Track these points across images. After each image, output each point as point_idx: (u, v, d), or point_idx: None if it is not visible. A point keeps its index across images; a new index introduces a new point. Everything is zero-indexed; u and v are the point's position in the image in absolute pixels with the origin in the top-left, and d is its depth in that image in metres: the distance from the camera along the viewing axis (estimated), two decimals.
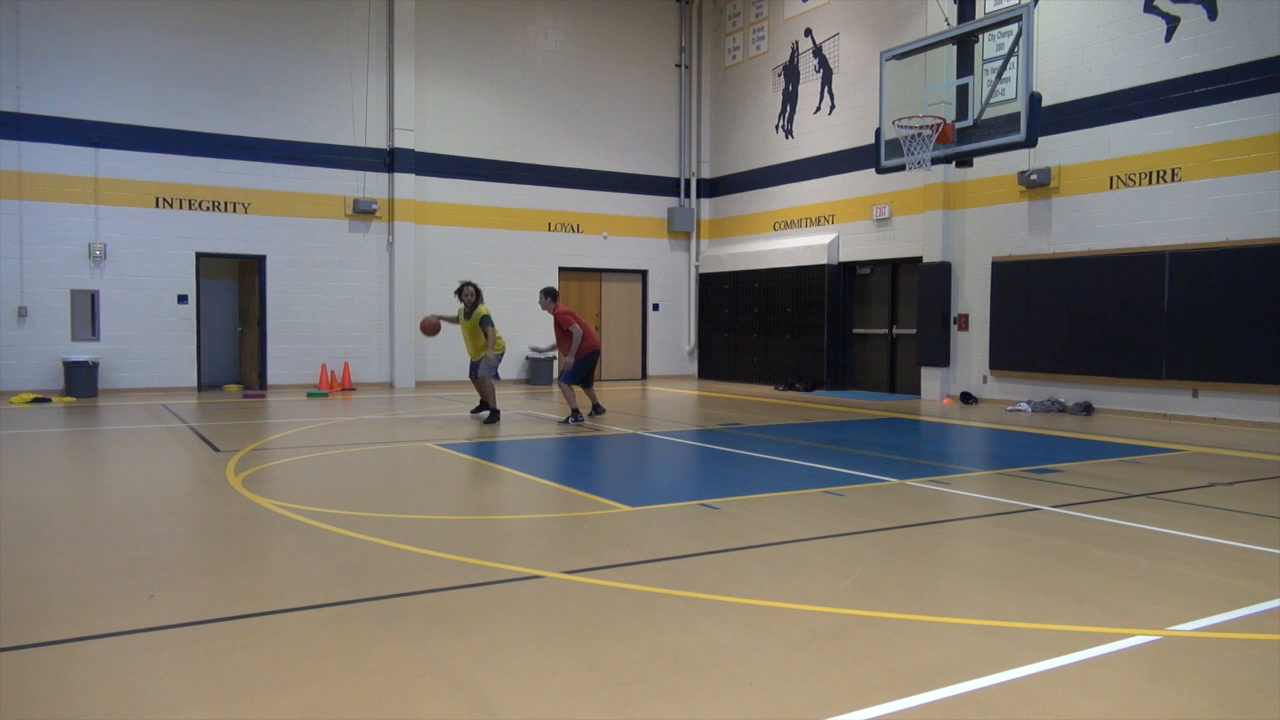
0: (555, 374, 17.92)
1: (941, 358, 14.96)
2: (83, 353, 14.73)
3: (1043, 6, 13.05)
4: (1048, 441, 10.03)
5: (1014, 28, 10.74)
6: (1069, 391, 13.20)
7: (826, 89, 17.24)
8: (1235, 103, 11.31)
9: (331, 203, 16.74)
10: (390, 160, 17.09)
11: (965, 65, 11.24)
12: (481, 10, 17.95)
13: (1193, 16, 11.69)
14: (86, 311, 14.98)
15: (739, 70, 19.52)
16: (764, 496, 6.63)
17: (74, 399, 14.08)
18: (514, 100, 18.33)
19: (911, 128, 11.27)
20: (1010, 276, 13.92)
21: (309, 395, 15.24)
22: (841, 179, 16.92)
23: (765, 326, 18.55)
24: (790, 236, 18.13)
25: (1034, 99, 10.21)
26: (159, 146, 15.37)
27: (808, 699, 3.07)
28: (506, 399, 14.79)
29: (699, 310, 20.30)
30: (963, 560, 5.15)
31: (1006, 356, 14.05)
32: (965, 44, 11.24)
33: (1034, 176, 13.34)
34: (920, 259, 15.24)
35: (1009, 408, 13.45)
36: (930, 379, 15.16)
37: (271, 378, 16.27)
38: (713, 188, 20.34)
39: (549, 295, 11.67)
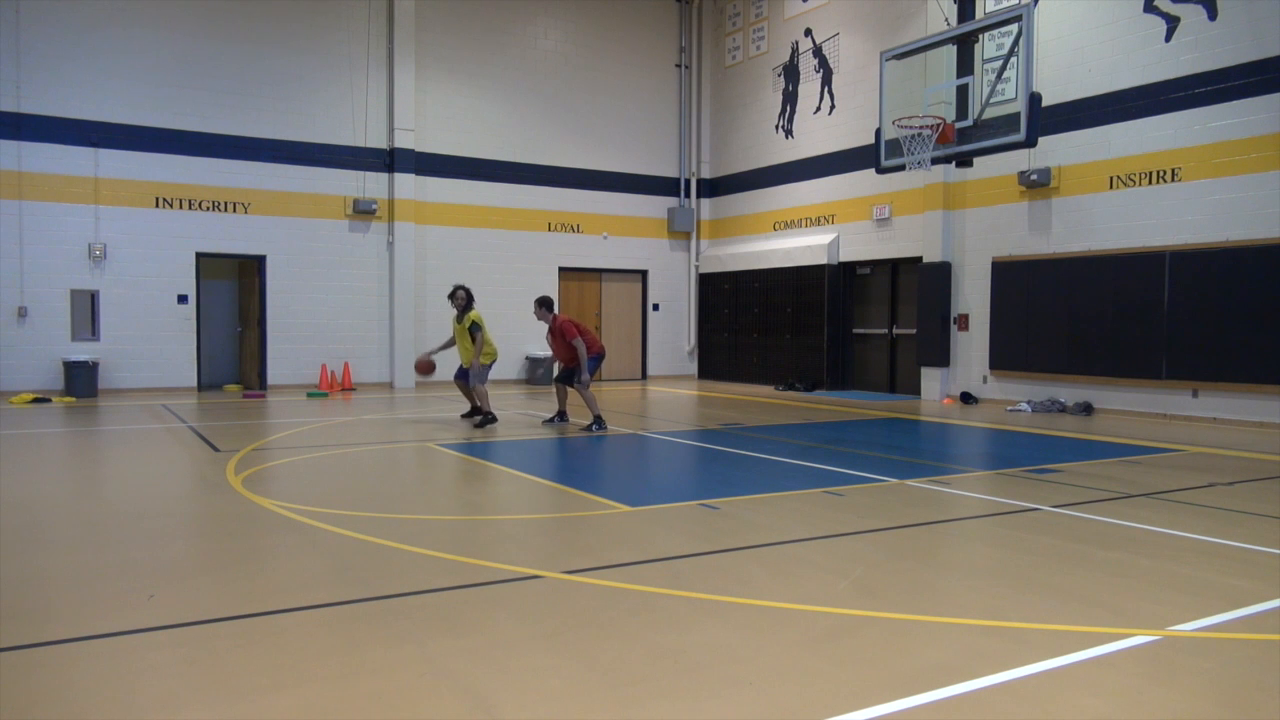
0: (553, 375, 17.93)
1: (941, 358, 14.96)
2: (83, 353, 14.73)
3: (1043, 6, 13.05)
4: (1048, 441, 10.03)
5: (1014, 28, 10.75)
6: (1069, 391, 13.19)
7: (826, 89, 17.24)
8: (1235, 103, 11.31)
9: (331, 203, 16.74)
10: (390, 160, 17.08)
11: (965, 65, 11.24)
12: (481, 10, 17.95)
13: (1193, 16, 11.69)
14: (86, 311, 14.97)
15: (739, 70, 19.52)
16: (764, 496, 6.63)
17: (74, 399, 14.08)
18: (514, 100, 18.33)
19: (911, 128, 11.27)
20: (1010, 276, 13.92)
21: (309, 395, 15.24)
22: (841, 179, 16.92)
23: (765, 326, 18.55)
24: (790, 236, 18.13)
25: (1034, 99, 10.21)
26: (159, 146, 15.37)
27: (808, 699, 3.07)
28: (507, 399, 14.79)
29: (699, 310, 20.30)
30: (963, 560, 5.15)
31: (1006, 356, 14.05)
32: (965, 44, 11.24)
33: (1034, 176, 13.34)
34: (920, 259, 15.24)
35: (1009, 408, 13.45)
36: (930, 379, 15.16)
37: (271, 378, 16.27)
38: (713, 188, 20.34)
39: (544, 305, 11.09)
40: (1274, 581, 4.48)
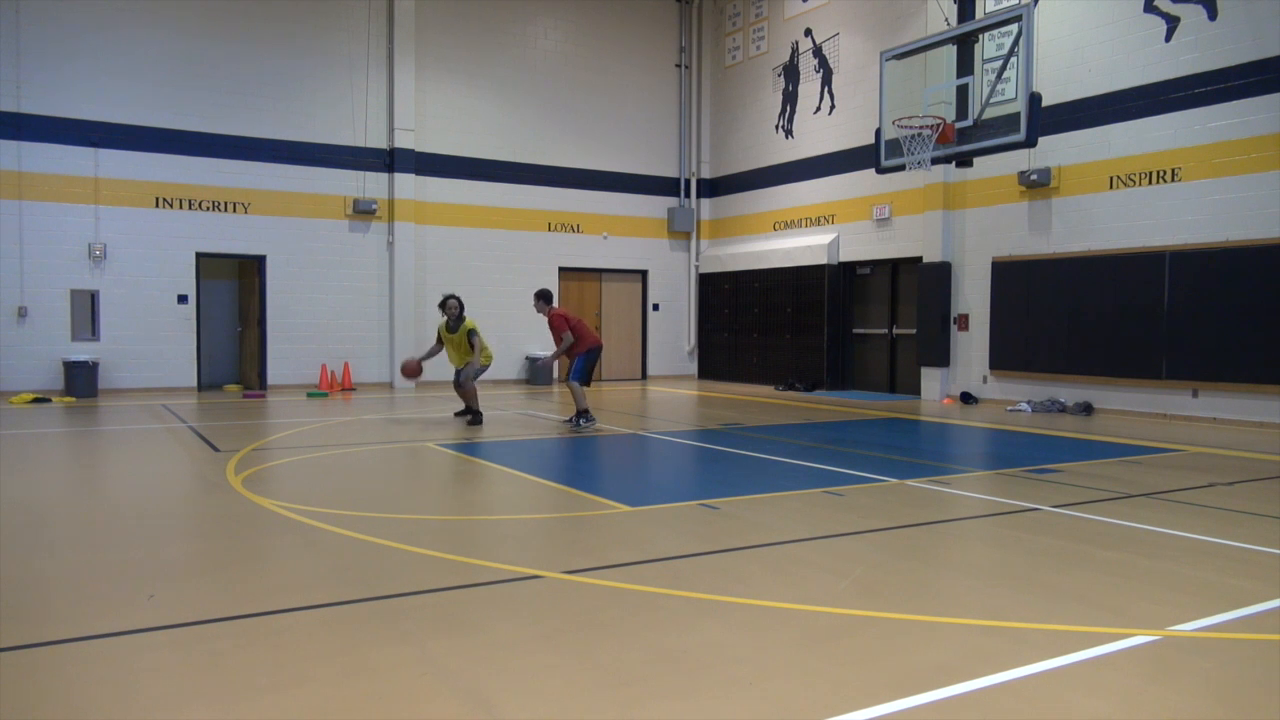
0: (556, 374, 17.94)
1: (941, 358, 14.96)
2: (83, 353, 14.73)
3: (1043, 6, 13.05)
4: (1048, 441, 10.03)
5: (1014, 28, 10.75)
6: (1069, 391, 13.19)
7: (826, 89, 17.24)
8: (1235, 103, 11.31)
9: (331, 203, 16.74)
10: (390, 160, 17.09)
11: (965, 65, 11.24)
12: (481, 10, 17.95)
13: (1193, 16, 11.69)
14: (86, 311, 14.97)
15: (739, 70, 19.52)
16: (764, 496, 6.63)
17: (74, 399, 14.08)
18: (514, 100, 18.33)
19: (911, 128, 11.27)
20: (1010, 276, 13.92)
21: (309, 395, 15.24)
22: (841, 179, 16.92)
23: (765, 326, 18.55)
24: (790, 236, 18.13)
25: (1034, 99, 10.21)
26: (159, 146, 15.37)
27: (808, 699, 3.07)
28: (507, 399, 14.79)
29: (699, 310, 20.30)
30: (963, 560, 5.15)
31: (1006, 356, 14.05)
32: (965, 44, 11.24)
33: (1034, 176, 13.34)
34: (920, 259, 15.24)
35: (1009, 408, 13.45)
36: (930, 379, 15.16)
37: (271, 378, 16.27)
38: (713, 188, 20.34)
39: (543, 298, 11.42)
40: (1274, 581, 4.48)
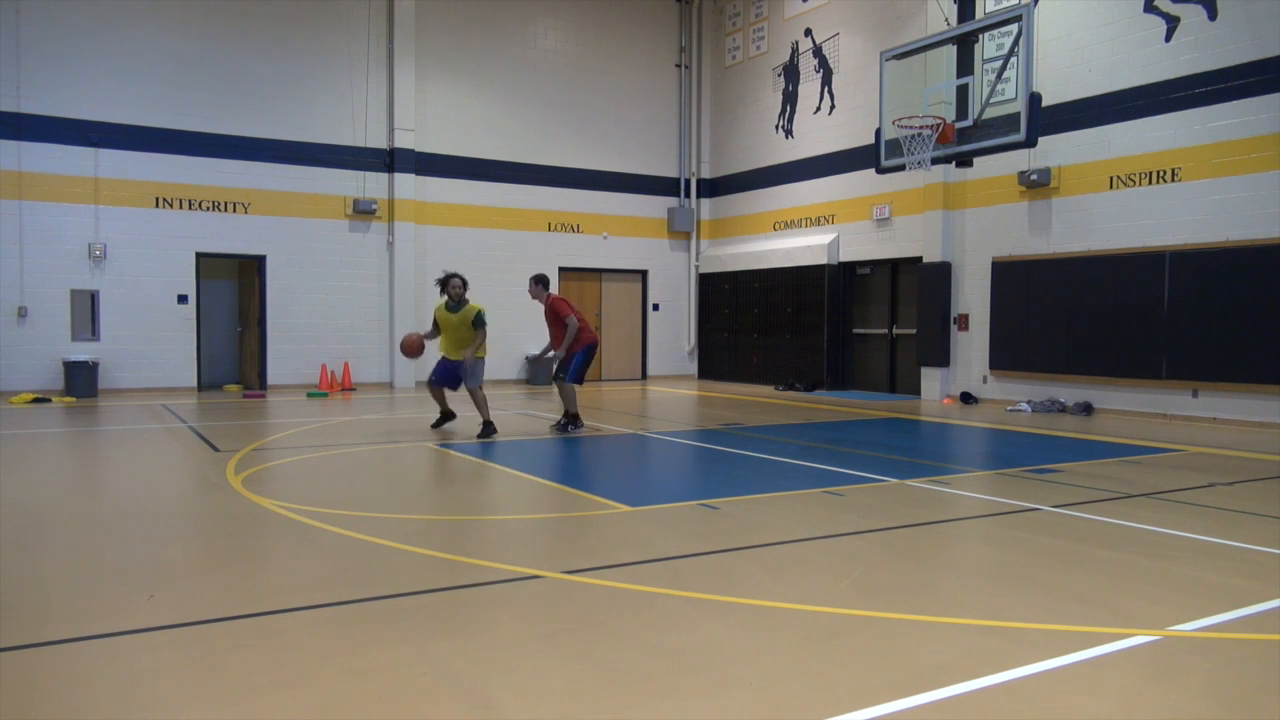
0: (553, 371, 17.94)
1: (941, 358, 14.96)
2: (83, 353, 14.73)
3: (1043, 6, 13.05)
4: (1048, 441, 10.03)
5: (1014, 28, 10.75)
6: (1069, 391, 13.19)
7: (826, 89, 17.24)
8: (1235, 103, 11.31)
9: (331, 203, 16.74)
10: (390, 160, 17.09)
11: (965, 65, 11.24)
12: (481, 10, 17.94)
13: (1193, 16, 11.69)
14: (86, 311, 14.97)
15: (739, 70, 19.52)
16: (764, 496, 6.63)
17: (74, 399, 14.08)
18: (514, 100, 18.33)
19: (911, 128, 11.27)
20: (1010, 276, 13.92)
21: (309, 395, 15.24)
22: (841, 179, 16.92)
23: (765, 326, 18.55)
24: (790, 236, 18.13)
25: (1034, 99, 10.21)
26: (159, 146, 15.37)
27: (808, 699, 3.07)
28: (507, 399, 14.79)
29: (699, 310, 20.30)
30: (963, 560, 5.15)
31: (1006, 356, 14.05)
32: (965, 44, 11.24)
33: (1034, 176, 13.34)
34: (920, 259, 15.24)
35: (1009, 408, 13.45)
36: (930, 379, 15.16)
37: (271, 378, 16.27)
38: (713, 188, 20.34)
39: (540, 282, 10.49)
40: (1274, 581, 4.48)
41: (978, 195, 14.43)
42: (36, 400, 13.64)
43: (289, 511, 5.94)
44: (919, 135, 11.20)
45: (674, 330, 20.43)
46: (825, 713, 2.93)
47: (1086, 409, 12.78)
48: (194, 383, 15.75)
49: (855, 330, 17.06)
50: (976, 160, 12.34)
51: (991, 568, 4.84)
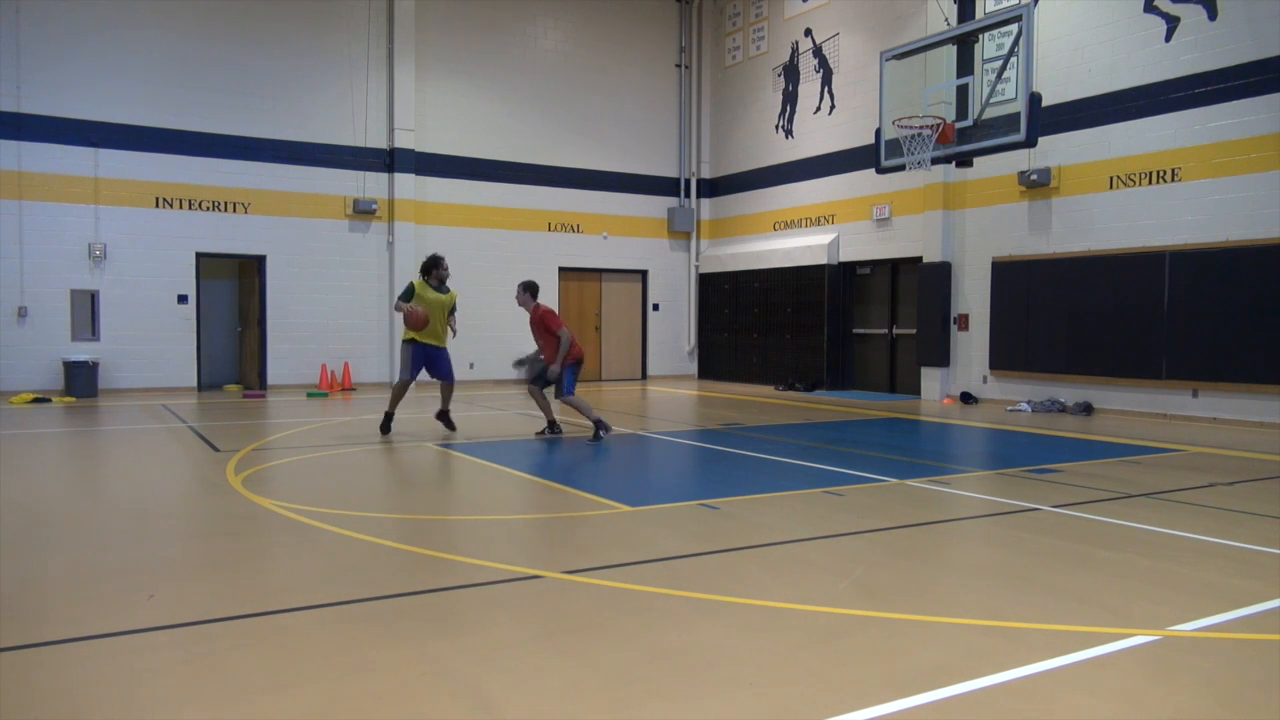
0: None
1: (941, 358, 14.96)
2: (83, 353, 14.73)
3: (1043, 6, 13.05)
4: (1048, 441, 10.03)
5: (1014, 28, 10.74)
6: (1069, 391, 13.19)
7: (826, 89, 17.24)
8: (1235, 103, 11.31)
9: (331, 203, 16.74)
10: (390, 160, 17.09)
11: (965, 65, 11.23)
12: (481, 10, 17.94)
13: (1193, 16, 11.69)
14: (86, 311, 14.98)
15: (739, 70, 19.52)
16: (764, 496, 6.63)
17: (74, 399, 14.08)
18: (514, 100, 18.33)
19: (911, 128, 11.27)
20: (1010, 276, 13.91)
21: (309, 395, 15.25)
22: (841, 179, 16.92)
23: (765, 326, 18.55)
24: (790, 236, 18.13)
25: (1034, 99, 10.21)
26: (159, 146, 15.37)
27: (808, 699, 3.07)
28: (506, 399, 14.78)
29: (699, 310, 20.30)
30: (963, 560, 5.15)
31: (1006, 356, 14.05)
32: (965, 44, 11.24)
33: (1034, 176, 13.34)
34: (920, 259, 15.24)
35: (1009, 408, 13.45)
36: (930, 379, 15.16)
37: (271, 378, 16.27)
38: (713, 188, 20.34)
39: (529, 290, 10.06)
40: (1274, 581, 4.48)
41: (978, 195, 14.43)
42: (36, 400, 13.64)
43: (289, 511, 5.94)
44: (919, 135, 11.20)
45: (674, 330, 20.43)
46: (825, 713, 2.93)
47: (1086, 409, 12.78)
48: (194, 383, 15.75)
49: (855, 330, 17.06)
50: (976, 160, 12.34)
51: (991, 568, 4.84)
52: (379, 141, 17.07)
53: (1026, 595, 4.24)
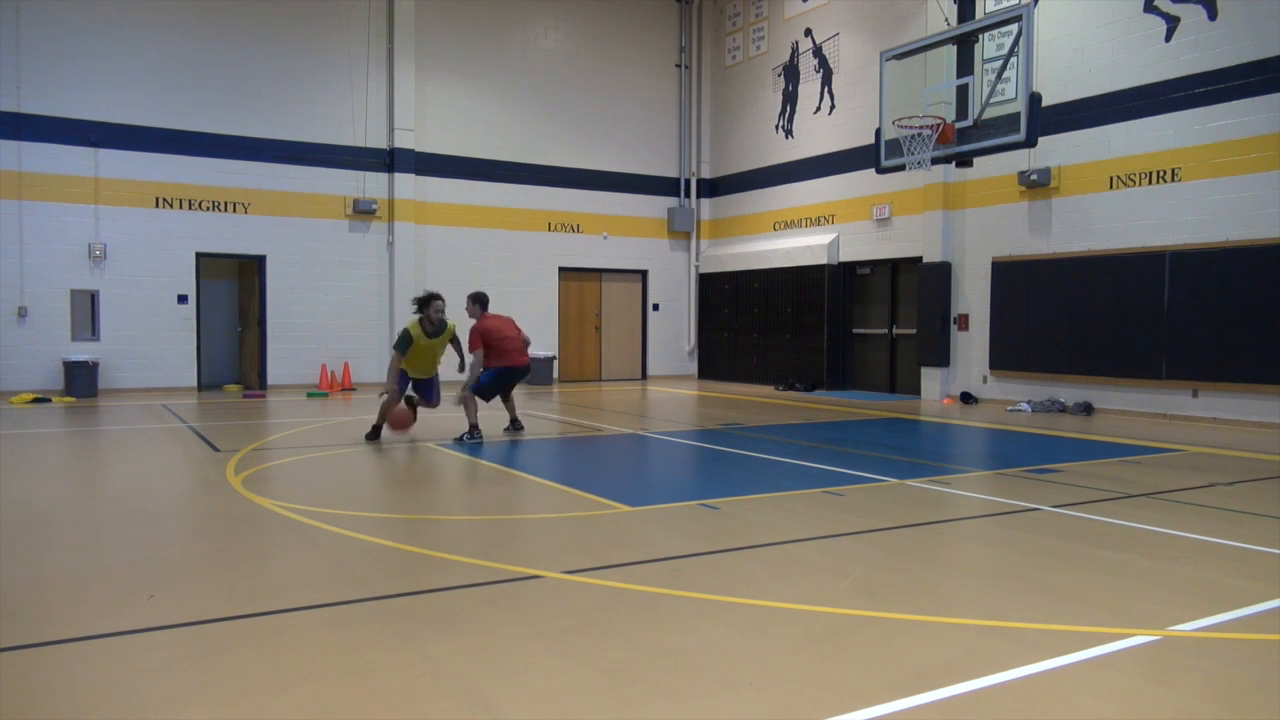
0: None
1: (941, 358, 14.96)
2: (83, 353, 14.73)
3: (1043, 6, 13.05)
4: (1048, 441, 10.03)
5: (1014, 28, 10.74)
6: (1069, 391, 13.19)
7: (826, 89, 17.24)
8: (1235, 103, 11.31)
9: (331, 203, 16.74)
10: (390, 160, 17.08)
11: (965, 65, 11.23)
12: (482, 10, 17.94)
13: (1193, 16, 11.69)
14: (86, 311, 14.97)
15: (739, 70, 19.52)
16: (764, 496, 6.63)
17: (74, 399, 14.08)
18: (514, 100, 18.33)
19: (911, 128, 11.26)
20: (1010, 276, 13.91)
21: (309, 395, 15.24)
22: (841, 179, 16.92)
23: (765, 326, 18.55)
24: (790, 236, 18.13)
25: (1034, 99, 10.20)
26: (159, 146, 15.37)
27: (808, 699, 3.07)
28: None
29: (699, 310, 20.30)
30: (963, 560, 5.15)
31: (1006, 356, 14.05)
32: (965, 44, 11.23)
33: (1034, 176, 13.34)
34: (920, 259, 15.24)
35: (1009, 408, 13.45)
36: (930, 379, 15.16)
37: (271, 378, 16.27)
38: (713, 188, 20.34)
39: (478, 301, 9.94)
40: (1274, 581, 4.48)
41: (978, 195, 14.43)
42: (36, 400, 13.64)
43: (289, 511, 5.94)
44: (919, 135, 11.20)
45: (674, 330, 20.43)
46: (825, 713, 2.93)
47: (1086, 409, 12.78)
48: (194, 383, 15.75)
49: (855, 330, 17.06)
50: (976, 160, 12.34)
51: (991, 568, 4.84)
52: (379, 141, 17.07)
53: (1027, 595, 4.24)
